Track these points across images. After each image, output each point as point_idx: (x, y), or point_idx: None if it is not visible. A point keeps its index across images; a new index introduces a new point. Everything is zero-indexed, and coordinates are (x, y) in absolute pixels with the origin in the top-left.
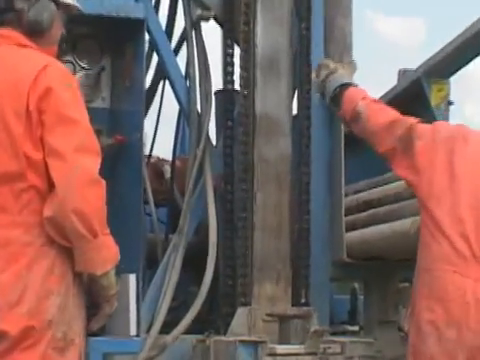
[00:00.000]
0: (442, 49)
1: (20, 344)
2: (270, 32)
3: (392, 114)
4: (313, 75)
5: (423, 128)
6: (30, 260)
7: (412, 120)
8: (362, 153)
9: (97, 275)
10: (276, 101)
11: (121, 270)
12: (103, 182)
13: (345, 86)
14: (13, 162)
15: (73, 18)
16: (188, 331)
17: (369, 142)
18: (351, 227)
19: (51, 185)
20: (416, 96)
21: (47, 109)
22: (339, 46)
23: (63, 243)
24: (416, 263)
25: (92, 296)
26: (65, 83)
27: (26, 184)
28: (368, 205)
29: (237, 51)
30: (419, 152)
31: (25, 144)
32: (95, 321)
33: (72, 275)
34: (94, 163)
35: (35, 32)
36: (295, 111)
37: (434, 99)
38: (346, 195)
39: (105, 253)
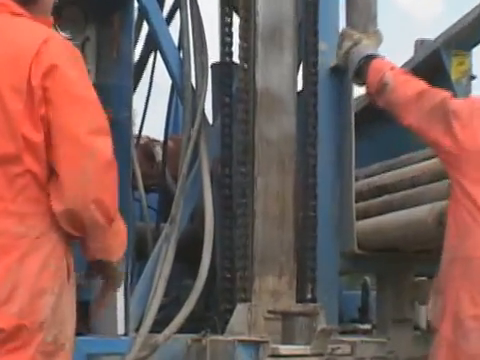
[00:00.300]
0: (461, 19)
1: (7, 345)
2: None
3: (421, 85)
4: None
5: (458, 105)
6: (22, 254)
7: (444, 93)
8: (375, 133)
9: (113, 261)
10: (279, 75)
11: None
12: (116, 163)
13: (370, 57)
14: (8, 143)
15: None
16: (182, 330)
17: (394, 114)
18: (362, 215)
19: (51, 171)
20: (435, 69)
21: (54, 87)
22: (363, 15)
23: (78, 234)
24: (446, 252)
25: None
26: (71, 58)
27: (22, 168)
28: (382, 190)
29: (236, 20)
30: (458, 132)
31: (24, 123)
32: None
33: (67, 271)
34: (108, 144)
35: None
36: (300, 87)
37: (454, 73)
38: (357, 179)
39: (120, 238)
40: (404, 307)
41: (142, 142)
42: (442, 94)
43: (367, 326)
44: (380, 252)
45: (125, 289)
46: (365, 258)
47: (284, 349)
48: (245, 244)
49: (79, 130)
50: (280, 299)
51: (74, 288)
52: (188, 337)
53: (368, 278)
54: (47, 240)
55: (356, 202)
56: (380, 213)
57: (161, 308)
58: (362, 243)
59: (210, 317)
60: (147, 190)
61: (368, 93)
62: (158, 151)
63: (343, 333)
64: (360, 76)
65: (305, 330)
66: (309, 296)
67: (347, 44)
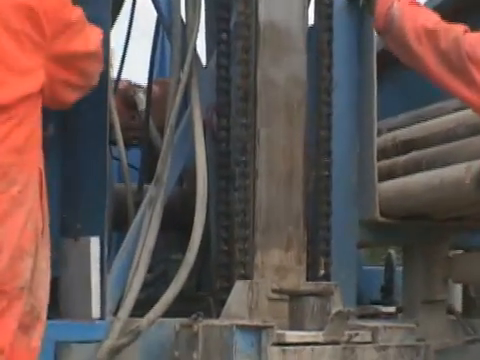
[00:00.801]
0: None
1: None
2: None
3: (433, 20)
4: None
5: (473, 40)
6: (3, 212)
7: (457, 28)
8: (401, 78)
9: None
10: (286, 6)
11: (79, 232)
12: None
13: None
14: None
15: None
16: (169, 313)
17: (406, 57)
18: (386, 175)
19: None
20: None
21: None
22: None
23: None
24: None
25: None
26: None
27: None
28: (409, 146)
29: None
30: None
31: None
32: None
33: (42, 227)
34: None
35: None
36: (311, 20)
37: None
38: (379, 133)
39: None
40: (436, 286)
41: (122, 87)
42: (455, 30)
43: (391, 309)
44: (407, 220)
45: (101, 264)
46: (389, 227)
47: (292, 336)
48: (245, 210)
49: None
50: (287, 276)
51: (48, 248)
52: (176, 321)
53: (393, 251)
54: (27, 196)
55: (378, 160)
56: (407, 173)
57: (144, 286)
58: (385, 209)
59: (203, 297)
60: (127, 145)
61: (375, 29)
62: (141, 98)
63: (362, 317)
64: (370, 8)
65: (317, 313)
66: (322, 272)
67: None
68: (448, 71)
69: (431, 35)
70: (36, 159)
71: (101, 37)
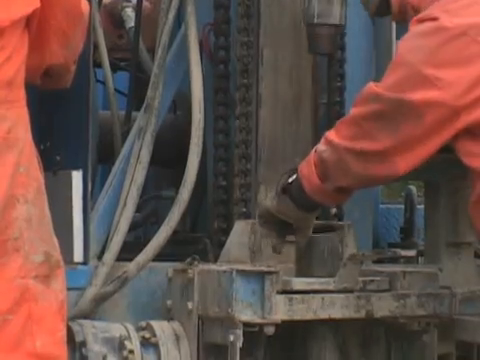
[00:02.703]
0: None
1: None
2: None
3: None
4: None
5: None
6: None
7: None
8: None
9: None
10: None
11: (59, 164)
12: None
13: None
14: None
15: None
16: (161, 257)
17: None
18: None
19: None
20: None
21: None
22: None
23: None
24: None
25: None
26: None
27: None
28: None
29: None
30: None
31: None
32: None
33: (41, 173)
34: None
35: None
36: None
37: None
38: None
39: None
40: (462, 227)
41: (107, 2)
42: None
43: (411, 252)
44: None
45: (84, 201)
46: None
47: (299, 283)
48: (246, 140)
49: None
50: None
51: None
52: (169, 266)
53: (413, 187)
54: (18, 133)
55: None
56: None
57: (133, 227)
58: None
59: (199, 239)
60: (114, 68)
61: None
62: (129, 15)
63: (379, 261)
64: None
65: (328, 257)
66: (333, 211)
67: None
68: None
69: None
70: (24, 96)
71: None
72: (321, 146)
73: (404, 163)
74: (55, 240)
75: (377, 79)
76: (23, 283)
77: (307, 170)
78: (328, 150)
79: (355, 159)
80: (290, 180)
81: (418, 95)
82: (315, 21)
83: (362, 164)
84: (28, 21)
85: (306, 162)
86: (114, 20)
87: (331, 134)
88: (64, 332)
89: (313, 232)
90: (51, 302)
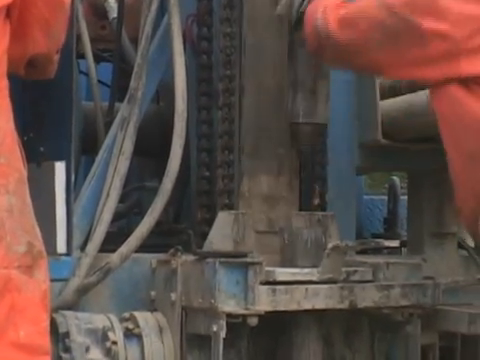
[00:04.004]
0: None
1: None
2: None
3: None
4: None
5: None
6: None
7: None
8: None
9: None
10: None
11: (42, 156)
12: None
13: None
14: None
15: None
16: (144, 247)
17: (352, 62)
18: (390, 92)
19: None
20: None
21: None
22: None
23: None
24: None
25: None
26: None
27: None
28: None
29: None
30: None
31: None
32: None
33: (24, 164)
34: None
35: None
36: None
37: None
38: None
39: None
40: (445, 217)
41: None
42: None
43: (395, 243)
44: (413, 142)
45: (67, 192)
46: (393, 151)
47: (282, 273)
48: (230, 131)
49: None
50: (277, 205)
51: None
52: (152, 257)
53: (396, 178)
54: None
55: None
56: (412, 90)
57: (116, 218)
58: (388, 131)
59: (182, 230)
60: (97, 59)
61: (312, 54)
62: (112, 5)
63: (363, 252)
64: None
65: (311, 248)
66: (317, 202)
67: None
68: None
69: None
70: (7, 86)
71: None
72: (321, 22)
73: (397, 72)
74: (37, 230)
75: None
76: (6, 273)
77: (308, 29)
78: (325, 34)
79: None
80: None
81: (428, 23)
82: (300, 120)
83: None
84: (9, 10)
85: (308, 20)
86: (97, 11)
87: (331, 21)
88: (47, 322)
89: (297, 225)
90: (34, 292)
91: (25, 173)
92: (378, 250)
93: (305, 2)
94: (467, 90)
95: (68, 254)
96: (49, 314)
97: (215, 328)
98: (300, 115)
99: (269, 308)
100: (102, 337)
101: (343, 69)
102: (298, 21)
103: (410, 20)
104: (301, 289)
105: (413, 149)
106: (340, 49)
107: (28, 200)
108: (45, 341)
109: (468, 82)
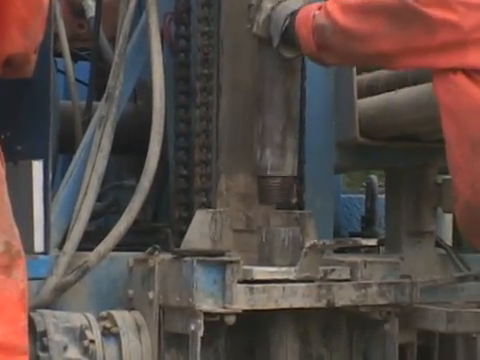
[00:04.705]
0: None
1: None
2: None
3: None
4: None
5: None
6: None
7: None
8: None
9: None
10: None
11: (19, 154)
12: None
13: (297, 12)
14: None
15: None
16: (122, 246)
17: (353, 55)
18: (367, 91)
19: None
20: None
21: None
22: None
23: None
24: None
25: None
26: None
27: None
28: None
29: None
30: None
31: None
32: None
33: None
34: None
35: None
36: None
37: None
38: None
39: None
40: (423, 216)
41: None
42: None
43: (372, 241)
44: (390, 141)
45: (44, 191)
46: (370, 149)
47: (260, 272)
48: (207, 129)
49: None
50: (254, 204)
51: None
52: (130, 256)
53: (374, 177)
54: None
55: (358, 74)
56: (390, 88)
57: (94, 216)
58: (366, 129)
59: (160, 228)
60: (75, 58)
61: (310, 57)
62: (90, 4)
63: (340, 251)
64: (289, 41)
65: (289, 246)
66: (294, 200)
67: (268, 5)
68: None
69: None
70: None
71: None
72: (321, 17)
73: (404, 61)
74: (16, 230)
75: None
76: None
77: (305, 32)
78: (328, 25)
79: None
80: (287, 19)
81: (436, 12)
82: (268, 173)
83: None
84: None
85: (303, 23)
86: (74, 10)
87: (335, 10)
88: (25, 322)
89: (274, 224)
90: (12, 292)
91: (3, 172)
92: (356, 249)
93: (289, 19)
94: (472, 80)
95: (46, 253)
96: (27, 313)
97: (193, 327)
98: (268, 168)
99: (246, 307)
100: (80, 336)
101: (345, 65)
102: (283, 38)
103: (420, 9)
104: (278, 288)
105: (391, 147)
106: (346, 40)
107: (6, 199)
108: (23, 341)
109: (473, 72)
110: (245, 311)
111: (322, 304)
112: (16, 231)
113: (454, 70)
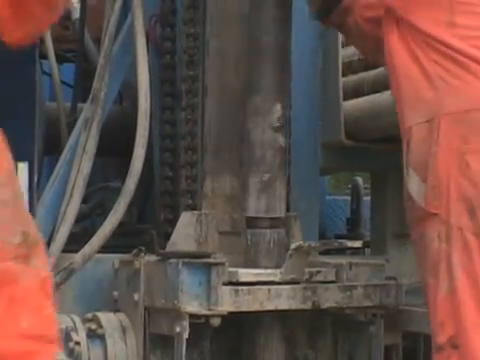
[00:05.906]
0: None
1: None
2: None
3: None
4: None
5: None
6: None
7: None
8: None
9: None
10: None
11: None
12: None
13: None
14: None
15: None
16: (107, 248)
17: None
18: (353, 93)
19: None
20: None
21: None
22: None
23: None
24: None
25: None
26: None
27: None
28: None
29: None
30: None
31: None
32: None
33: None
34: None
35: None
36: None
37: None
38: (345, 44)
39: None
40: None
41: None
42: None
43: (358, 243)
44: (376, 143)
45: (30, 193)
46: (356, 151)
47: (245, 274)
48: (193, 131)
49: None
50: (240, 206)
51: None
52: (115, 258)
53: (360, 179)
54: None
55: (344, 75)
56: (376, 90)
57: (79, 218)
58: (352, 131)
59: (145, 230)
60: (60, 59)
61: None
62: (75, 6)
63: (326, 253)
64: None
65: (274, 248)
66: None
67: None
68: None
69: None
70: None
71: None
72: None
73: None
74: (30, 218)
75: (324, 68)
76: (2, 267)
77: None
78: None
79: None
80: None
81: None
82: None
83: None
84: None
85: None
86: None
87: None
88: (51, 310)
89: (259, 226)
90: (32, 281)
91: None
92: (341, 251)
93: None
94: None
95: None
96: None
97: (178, 328)
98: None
99: (232, 309)
100: (65, 337)
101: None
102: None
103: None
104: (264, 290)
105: (376, 149)
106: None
107: (20, 192)
108: (50, 329)
109: None
110: (230, 313)
111: (307, 306)
112: (31, 221)
113: None
